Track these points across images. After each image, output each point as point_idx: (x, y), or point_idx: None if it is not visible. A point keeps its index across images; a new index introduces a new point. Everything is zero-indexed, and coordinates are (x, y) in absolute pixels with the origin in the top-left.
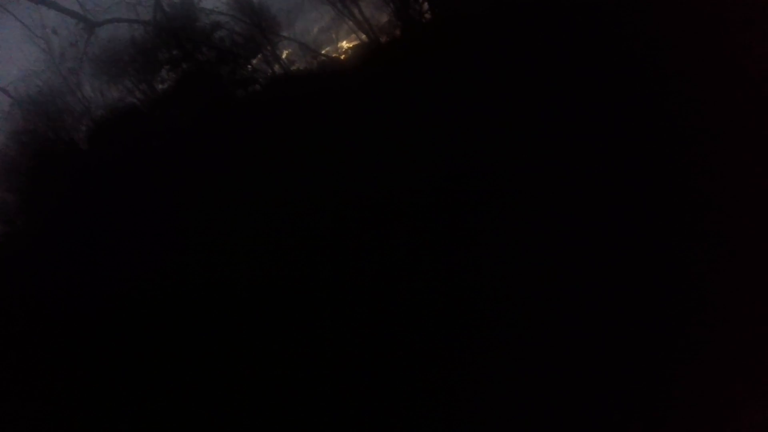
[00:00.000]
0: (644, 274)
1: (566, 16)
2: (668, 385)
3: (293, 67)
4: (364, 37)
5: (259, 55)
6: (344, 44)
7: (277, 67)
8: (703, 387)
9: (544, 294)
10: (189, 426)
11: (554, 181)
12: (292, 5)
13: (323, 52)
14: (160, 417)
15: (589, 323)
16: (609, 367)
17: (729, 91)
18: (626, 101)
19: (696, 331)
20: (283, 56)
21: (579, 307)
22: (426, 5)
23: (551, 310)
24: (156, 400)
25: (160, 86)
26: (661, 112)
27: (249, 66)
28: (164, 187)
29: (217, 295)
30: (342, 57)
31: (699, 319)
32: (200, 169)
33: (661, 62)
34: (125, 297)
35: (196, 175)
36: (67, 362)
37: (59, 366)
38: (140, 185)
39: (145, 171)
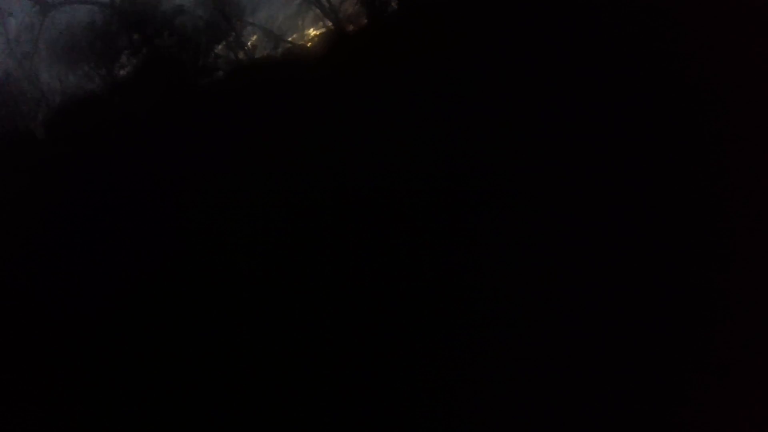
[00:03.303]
0: (647, 275)
1: (555, 7)
2: (671, 387)
3: (258, 55)
4: (330, 25)
5: (222, 42)
6: (311, 32)
7: (241, 55)
8: (705, 388)
9: (545, 294)
10: (189, 426)
11: (555, 181)
12: None
13: (289, 39)
14: (160, 417)
15: (590, 324)
16: (611, 369)
17: (730, 90)
18: (626, 99)
19: (699, 333)
20: (248, 43)
21: (581, 307)
22: None
23: (552, 311)
24: (156, 400)
25: (120, 72)
26: (661, 110)
27: (212, 53)
28: (124, 176)
29: (215, 295)
30: (308, 45)
31: (702, 320)
32: (161, 158)
33: (663, 58)
34: (91, 294)
35: (157, 164)
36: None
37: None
38: (99, 175)
39: (105, 160)
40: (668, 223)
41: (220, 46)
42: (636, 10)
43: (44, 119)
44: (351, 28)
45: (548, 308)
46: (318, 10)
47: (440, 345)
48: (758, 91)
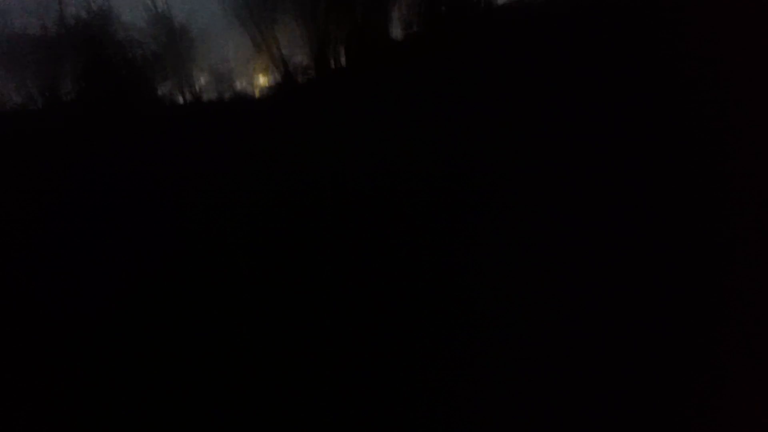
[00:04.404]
0: (648, 275)
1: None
2: (671, 387)
3: (205, 98)
4: (278, 75)
5: (171, 80)
6: (260, 79)
7: (188, 95)
8: (705, 388)
9: (545, 294)
10: (189, 426)
11: (555, 180)
12: (212, 32)
13: (237, 84)
14: (160, 417)
15: (591, 324)
16: (611, 369)
17: (731, 90)
18: (626, 99)
19: (699, 333)
20: (196, 84)
21: (581, 307)
22: (342, 50)
23: (552, 311)
24: (156, 400)
25: (65, 94)
26: (662, 110)
27: (159, 89)
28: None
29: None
30: (256, 92)
31: (702, 320)
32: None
33: (663, 58)
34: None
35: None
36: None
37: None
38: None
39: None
40: (669, 222)
41: (168, 83)
42: (636, 10)
43: None
44: (300, 79)
45: (548, 308)
46: (268, 58)
47: (440, 345)
48: (758, 91)
